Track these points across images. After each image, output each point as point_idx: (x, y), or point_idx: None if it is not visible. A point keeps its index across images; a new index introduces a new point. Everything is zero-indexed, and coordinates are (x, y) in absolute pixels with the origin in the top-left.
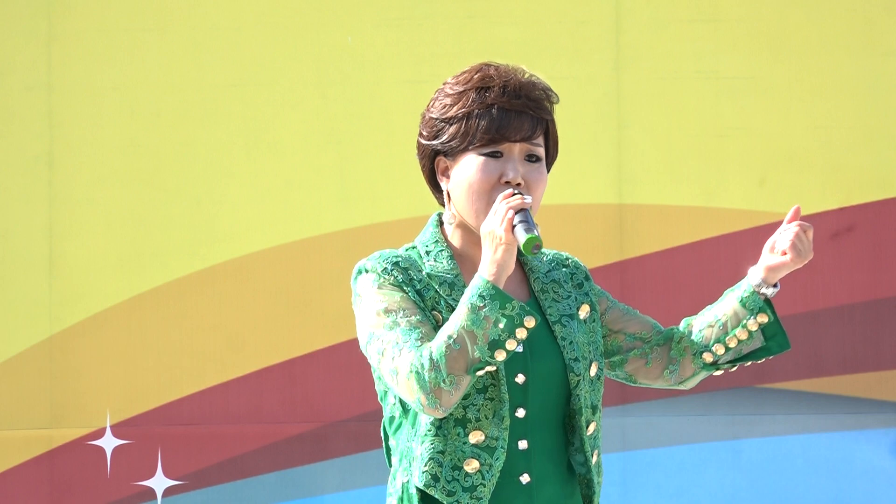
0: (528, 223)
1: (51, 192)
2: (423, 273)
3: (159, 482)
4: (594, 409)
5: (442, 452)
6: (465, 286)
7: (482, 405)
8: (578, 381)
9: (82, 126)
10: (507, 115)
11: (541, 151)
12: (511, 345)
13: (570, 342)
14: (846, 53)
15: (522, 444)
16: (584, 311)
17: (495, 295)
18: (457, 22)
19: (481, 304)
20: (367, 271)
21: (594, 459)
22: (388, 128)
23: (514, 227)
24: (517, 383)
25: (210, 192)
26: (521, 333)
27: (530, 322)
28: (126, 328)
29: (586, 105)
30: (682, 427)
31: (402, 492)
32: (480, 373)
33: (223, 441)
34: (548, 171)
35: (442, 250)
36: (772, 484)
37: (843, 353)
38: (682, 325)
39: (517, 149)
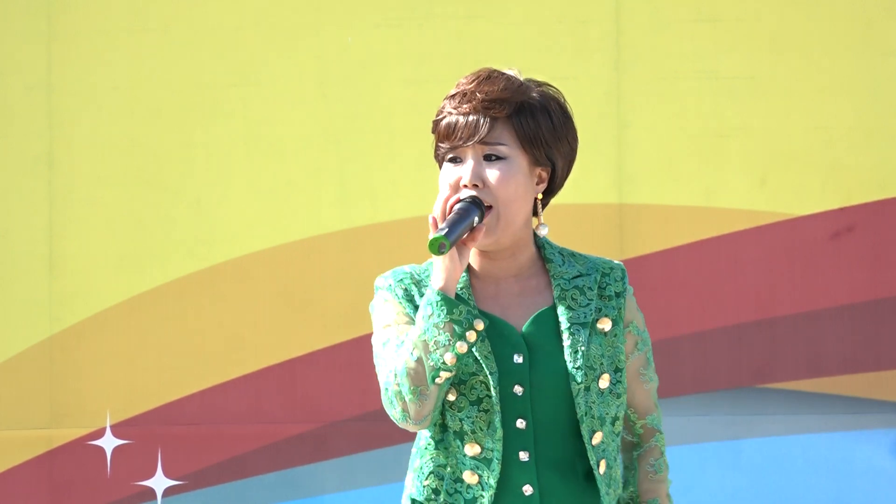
0: (449, 226)
1: (51, 192)
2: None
3: (159, 482)
4: (602, 420)
5: (443, 466)
6: (469, 298)
7: (476, 417)
8: (580, 389)
9: (82, 126)
10: (457, 120)
11: (501, 150)
12: (462, 348)
13: (576, 351)
14: (846, 53)
15: (523, 456)
16: (604, 323)
17: (441, 302)
18: (457, 22)
19: (430, 313)
20: (378, 289)
21: (601, 470)
22: (388, 128)
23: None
24: (515, 394)
25: (210, 192)
26: (471, 336)
27: (479, 325)
28: (126, 328)
29: (586, 105)
30: (682, 427)
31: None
32: (439, 380)
33: (223, 441)
34: (552, 164)
35: None
36: (772, 484)
37: (843, 353)
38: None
39: (471, 151)
